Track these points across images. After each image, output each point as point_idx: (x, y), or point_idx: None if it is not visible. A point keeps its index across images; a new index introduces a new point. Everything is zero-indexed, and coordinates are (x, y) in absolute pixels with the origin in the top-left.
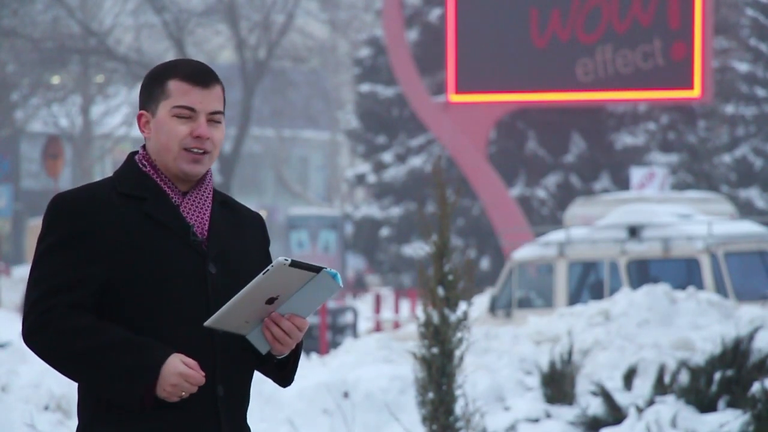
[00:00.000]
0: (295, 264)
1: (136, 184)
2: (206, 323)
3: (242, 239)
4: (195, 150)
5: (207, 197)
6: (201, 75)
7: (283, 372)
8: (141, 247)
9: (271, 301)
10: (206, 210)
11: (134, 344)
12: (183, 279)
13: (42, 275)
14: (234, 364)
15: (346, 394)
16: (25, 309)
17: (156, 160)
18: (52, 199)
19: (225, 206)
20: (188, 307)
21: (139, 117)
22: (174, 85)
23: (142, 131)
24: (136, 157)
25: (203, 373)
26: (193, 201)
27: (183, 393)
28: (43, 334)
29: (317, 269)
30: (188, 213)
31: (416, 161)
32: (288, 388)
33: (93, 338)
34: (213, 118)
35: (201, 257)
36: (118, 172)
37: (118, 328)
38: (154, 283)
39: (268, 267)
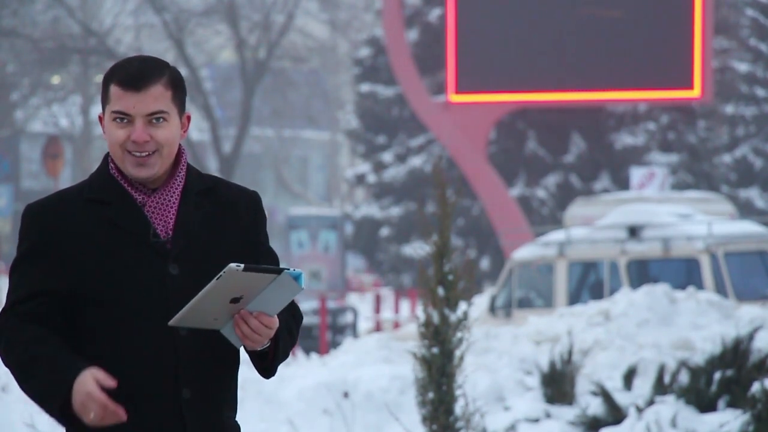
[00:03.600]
0: (249, 269)
1: (103, 188)
2: (170, 322)
3: (220, 229)
4: (137, 153)
5: (175, 193)
6: (134, 79)
7: (263, 363)
8: (101, 255)
9: (236, 300)
10: (172, 207)
11: (55, 361)
12: (142, 282)
13: (11, 287)
14: (202, 366)
15: (346, 394)
16: None
17: (116, 164)
18: (23, 210)
19: (207, 195)
20: (148, 311)
21: (100, 119)
22: (113, 90)
23: (103, 132)
24: (109, 157)
25: (107, 401)
26: (159, 199)
27: (92, 413)
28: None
29: (278, 271)
30: (152, 212)
31: (416, 161)
32: (288, 388)
33: (25, 353)
34: (153, 119)
35: (161, 258)
36: (92, 175)
37: (54, 343)
38: (113, 289)
39: (221, 273)
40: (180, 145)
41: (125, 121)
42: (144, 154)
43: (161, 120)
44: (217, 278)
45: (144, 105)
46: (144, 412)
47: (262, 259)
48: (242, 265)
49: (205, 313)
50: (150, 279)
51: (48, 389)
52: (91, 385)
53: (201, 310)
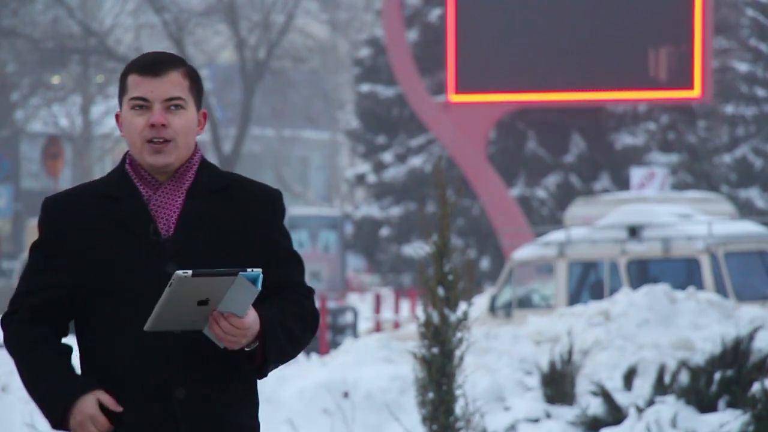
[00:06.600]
0: (198, 274)
1: (114, 184)
2: (145, 327)
3: (228, 228)
4: (155, 140)
5: (181, 189)
6: (152, 65)
7: (252, 365)
8: (103, 252)
9: (204, 302)
10: (176, 203)
11: (63, 375)
12: (138, 281)
13: (22, 276)
14: (199, 366)
15: (346, 394)
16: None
17: (133, 156)
18: (42, 201)
19: (220, 193)
20: (142, 310)
21: (117, 117)
22: (131, 79)
23: (120, 131)
24: (128, 156)
25: (108, 423)
26: (163, 195)
27: None
28: (5, 332)
29: (233, 273)
30: (156, 208)
31: (416, 161)
32: (288, 388)
33: (29, 356)
34: (171, 105)
35: (158, 257)
36: (110, 171)
37: (62, 352)
38: (112, 287)
39: (170, 281)
40: (196, 143)
41: (143, 107)
42: (161, 140)
43: (179, 107)
44: (169, 286)
45: (162, 90)
46: (135, 412)
47: (277, 258)
48: (189, 272)
49: (179, 317)
50: (145, 277)
51: (52, 400)
52: (94, 408)
53: (172, 315)
